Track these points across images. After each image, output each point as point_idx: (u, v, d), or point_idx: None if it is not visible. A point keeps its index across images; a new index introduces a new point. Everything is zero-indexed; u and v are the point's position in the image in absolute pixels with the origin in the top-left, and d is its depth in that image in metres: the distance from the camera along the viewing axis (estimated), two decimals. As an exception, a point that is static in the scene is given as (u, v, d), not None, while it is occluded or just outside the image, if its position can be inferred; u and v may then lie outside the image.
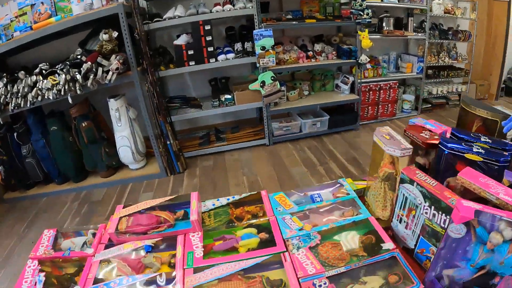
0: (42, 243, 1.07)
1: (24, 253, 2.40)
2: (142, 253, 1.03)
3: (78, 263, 1.01)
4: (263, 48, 3.17)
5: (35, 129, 3.08)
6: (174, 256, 1.00)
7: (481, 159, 0.97)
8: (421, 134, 1.17)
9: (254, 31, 3.13)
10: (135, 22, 2.90)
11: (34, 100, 2.69)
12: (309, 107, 3.82)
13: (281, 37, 3.75)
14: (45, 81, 2.67)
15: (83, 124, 3.03)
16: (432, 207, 0.91)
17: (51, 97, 2.67)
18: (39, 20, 2.91)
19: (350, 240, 1.02)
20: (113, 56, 2.76)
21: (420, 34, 4.19)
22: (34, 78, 2.71)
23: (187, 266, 0.97)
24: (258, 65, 3.26)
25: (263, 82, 3.23)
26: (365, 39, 3.58)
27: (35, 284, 0.93)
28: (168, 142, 3.11)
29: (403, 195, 1.01)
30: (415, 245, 1.00)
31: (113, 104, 3.02)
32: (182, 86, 3.87)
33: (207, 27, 3.05)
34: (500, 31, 4.78)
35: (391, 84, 4.19)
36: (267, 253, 0.99)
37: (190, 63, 3.21)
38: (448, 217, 0.87)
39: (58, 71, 2.70)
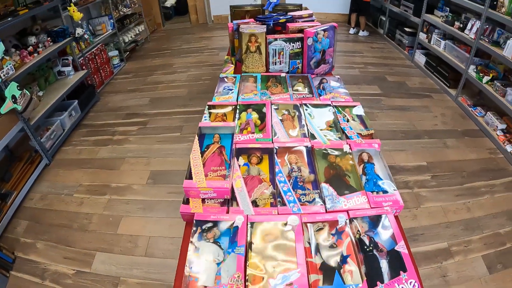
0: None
1: None
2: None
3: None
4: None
5: None
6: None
7: (284, 20, 2.13)
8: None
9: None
10: None
11: None
12: (56, 104, 3.66)
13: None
14: None
15: None
16: (291, 43, 2.01)
17: None
18: None
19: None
20: None
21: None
22: None
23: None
24: (-1, 80, 2.84)
25: (13, 97, 2.93)
26: (75, 12, 3.83)
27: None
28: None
29: (272, 49, 2.04)
30: (289, 68, 2.08)
31: None
32: None
33: None
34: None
35: (99, 47, 4.69)
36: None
37: None
38: (299, 43, 1.99)
39: None
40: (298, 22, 2.21)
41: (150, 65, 5.26)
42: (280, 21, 2.17)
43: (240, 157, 1.37)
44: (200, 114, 3.87)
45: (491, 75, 3.50)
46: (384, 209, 1.18)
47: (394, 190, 1.25)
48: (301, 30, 2.08)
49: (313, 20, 2.26)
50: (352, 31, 6.02)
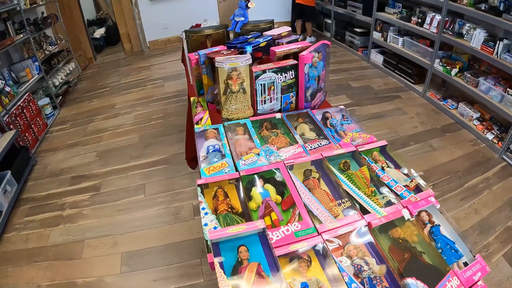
0: None
1: None
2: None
3: None
4: None
5: None
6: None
7: (265, 43, 1.72)
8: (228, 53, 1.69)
9: None
10: None
11: None
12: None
13: None
14: None
15: None
16: (282, 74, 1.59)
17: None
18: None
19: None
20: None
21: (22, 35, 3.97)
22: None
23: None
24: None
25: None
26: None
27: None
28: None
29: (260, 85, 1.61)
30: (281, 105, 1.68)
31: None
32: None
33: None
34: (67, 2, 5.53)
35: (27, 98, 3.92)
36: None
37: None
38: (292, 72, 1.59)
39: None
40: (283, 44, 1.79)
41: (89, 109, 4.54)
42: (260, 45, 1.75)
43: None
44: (162, 165, 3.23)
45: (457, 66, 3.40)
46: (478, 287, 0.94)
47: (475, 254, 1.03)
48: (287, 55, 1.69)
49: (297, 40, 1.86)
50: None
